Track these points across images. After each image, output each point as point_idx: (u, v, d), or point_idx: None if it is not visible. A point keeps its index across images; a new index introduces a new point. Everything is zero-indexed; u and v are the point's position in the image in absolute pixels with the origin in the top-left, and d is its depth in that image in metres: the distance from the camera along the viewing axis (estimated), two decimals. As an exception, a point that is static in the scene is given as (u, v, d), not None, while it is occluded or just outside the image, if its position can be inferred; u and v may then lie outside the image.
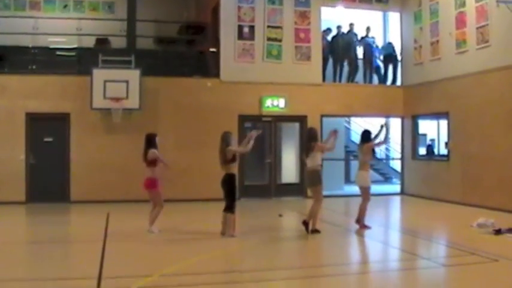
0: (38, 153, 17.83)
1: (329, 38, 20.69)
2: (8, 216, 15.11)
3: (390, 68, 21.34)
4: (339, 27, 20.74)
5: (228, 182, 11.83)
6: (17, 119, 17.62)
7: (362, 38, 21.00)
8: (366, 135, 13.29)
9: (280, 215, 15.00)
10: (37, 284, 8.21)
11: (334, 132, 12.75)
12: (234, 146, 12.00)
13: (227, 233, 11.76)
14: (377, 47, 21.35)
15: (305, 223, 12.22)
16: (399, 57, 21.13)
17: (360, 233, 12.53)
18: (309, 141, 12.55)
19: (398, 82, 21.15)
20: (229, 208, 11.78)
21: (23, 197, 17.56)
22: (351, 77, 20.86)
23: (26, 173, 17.68)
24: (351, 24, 20.84)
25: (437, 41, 18.57)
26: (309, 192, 12.95)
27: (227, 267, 9.77)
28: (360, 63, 21.08)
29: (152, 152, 12.19)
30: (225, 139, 11.87)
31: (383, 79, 21.29)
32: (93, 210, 16.23)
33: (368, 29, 21.09)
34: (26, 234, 13.47)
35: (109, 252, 10.33)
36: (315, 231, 12.21)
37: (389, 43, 21.49)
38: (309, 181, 12.63)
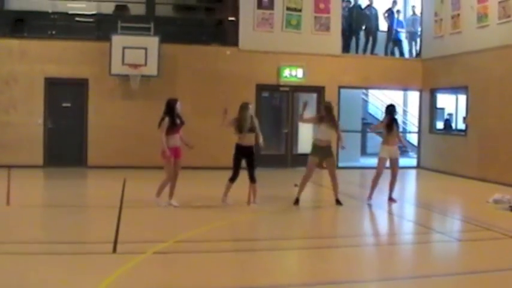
0: (56, 117, 17.96)
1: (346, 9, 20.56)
2: (26, 179, 15.22)
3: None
4: (356, -1, 20.62)
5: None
6: (35, 84, 17.73)
7: (387, 9, 20.89)
8: (386, 110, 13.00)
9: (296, 185, 14.98)
10: (53, 247, 8.29)
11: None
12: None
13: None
14: (399, 20, 21.25)
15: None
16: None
17: (375, 206, 12.47)
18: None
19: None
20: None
21: (40, 161, 17.74)
22: (371, 49, 20.71)
23: (43, 137, 17.85)
24: (371, -2, 20.72)
25: (458, 15, 18.33)
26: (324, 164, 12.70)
27: (241, 235, 9.83)
28: (382, 35, 20.95)
29: None
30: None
31: (403, 53, 21.21)
32: (110, 175, 16.34)
33: (394, 1, 20.98)
34: (43, 198, 13.66)
35: (125, 217, 10.42)
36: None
37: (414, 18, 21.21)
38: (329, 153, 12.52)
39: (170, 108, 11.56)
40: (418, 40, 21.10)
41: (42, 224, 10.52)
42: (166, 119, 11.42)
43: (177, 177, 11.76)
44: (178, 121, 11.62)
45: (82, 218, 11.03)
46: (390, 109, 12.87)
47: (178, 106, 11.68)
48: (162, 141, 11.37)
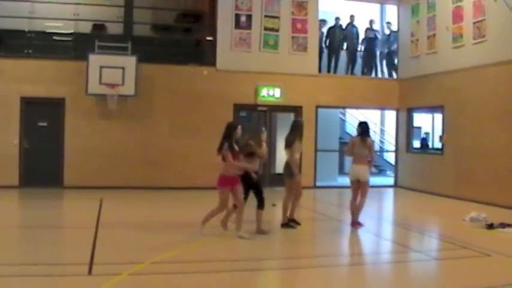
0: (32, 137, 17.78)
1: (324, 29, 20.66)
2: (0, 200, 15.07)
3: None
4: (337, 19, 20.71)
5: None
6: (11, 103, 17.54)
7: (367, 29, 21.08)
8: (365, 128, 12.30)
9: (274, 205, 14.98)
10: (28, 269, 8.19)
11: None
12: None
13: (258, 229, 11.31)
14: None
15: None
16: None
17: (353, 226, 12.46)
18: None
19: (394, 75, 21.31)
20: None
21: (16, 181, 17.50)
22: (349, 69, 20.85)
23: (19, 157, 17.62)
24: (352, 16, 20.82)
25: (434, 35, 18.56)
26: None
27: (219, 256, 9.76)
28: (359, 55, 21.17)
29: None
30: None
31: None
32: (86, 195, 16.18)
33: (371, 21, 21.21)
34: (18, 219, 13.46)
35: (101, 238, 10.32)
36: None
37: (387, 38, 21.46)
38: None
39: (228, 134, 10.78)
40: (390, 60, 21.27)
41: (16, 246, 10.36)
42: (226, 145, 10.63)
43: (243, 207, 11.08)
44: (236, 148, 10.83)
45: (57, 239, 10.92)
46: (366, 127, 12.40)
47: (239, 131, 10.92)
48: (234, 164, 10.65)
